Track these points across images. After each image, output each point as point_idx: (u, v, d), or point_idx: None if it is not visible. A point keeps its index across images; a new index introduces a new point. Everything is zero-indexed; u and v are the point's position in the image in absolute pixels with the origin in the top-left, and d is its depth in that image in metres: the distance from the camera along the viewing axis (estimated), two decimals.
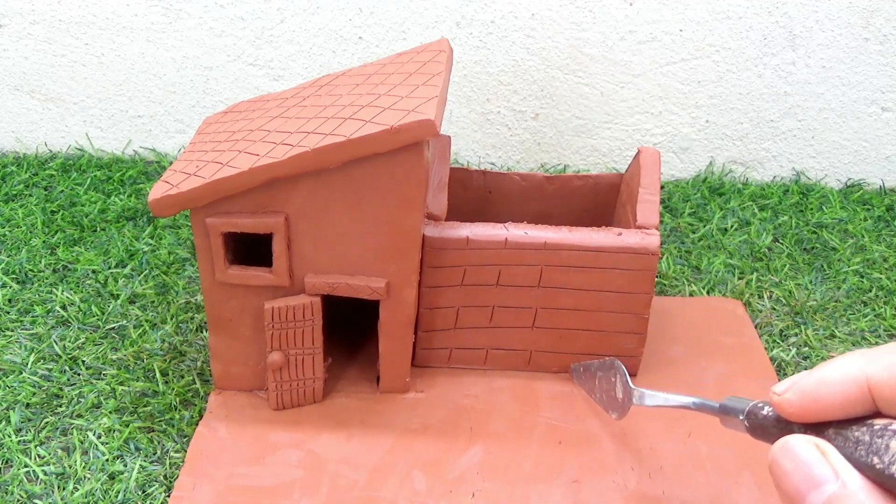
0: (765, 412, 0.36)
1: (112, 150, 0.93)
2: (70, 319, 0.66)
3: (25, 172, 0.87)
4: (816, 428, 0.32)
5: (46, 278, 0.71)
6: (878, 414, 0.31)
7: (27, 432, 0.55)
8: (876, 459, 0.29)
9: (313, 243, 0.52)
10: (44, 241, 0.75)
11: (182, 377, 0.60)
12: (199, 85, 0.89)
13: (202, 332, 0.65)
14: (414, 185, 0.50)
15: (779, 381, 0.60)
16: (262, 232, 0.51)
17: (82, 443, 0.55)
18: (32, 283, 0.70)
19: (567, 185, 0.67)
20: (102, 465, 0.53)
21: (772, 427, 0.35)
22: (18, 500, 0.51)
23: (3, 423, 0.56)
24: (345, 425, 0.56)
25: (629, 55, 0.85)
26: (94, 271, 0.72)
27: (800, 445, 0.32)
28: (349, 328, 0.63)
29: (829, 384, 0.31)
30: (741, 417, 0.38)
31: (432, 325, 0.59)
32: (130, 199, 0.83)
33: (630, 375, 0.61)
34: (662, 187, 0.89)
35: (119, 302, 0.68)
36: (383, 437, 0.55)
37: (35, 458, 0.54)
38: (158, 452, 0.54)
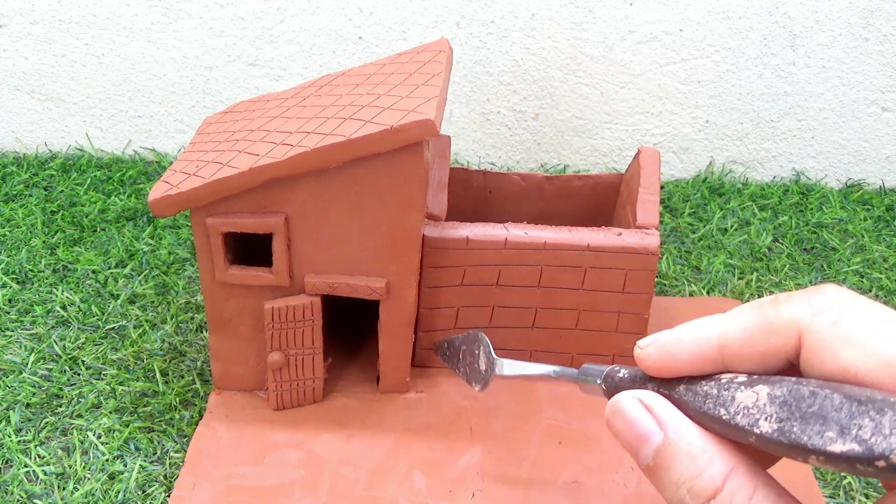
0: (620, 374, 0.36)
1: (112, 150, 0.93)
2: (70, 319, 0.66)
3: (25, 172, 0.87)
4: (670, 384, 0.33)
5: (46, 278, 0.71)
6: (727, 370, 0.31)
7: (27, 432, 0.55)
8: (722, 411, 0.30)
9: (313, 243, 0.52)
10: (44, 241, 0.75)
11: (182, 377, 0.60)
12: (199, 85, 0.89)
13: (202, 332, 0.65)
14: (414, 185, 0.50)
15: None
16: (262, 232, 0.51)
17: (82, 443, 0.55)
18: (32, 283, 0.70)
19: (567, 185, 0.67)
20: (102, 465, 0.53)
21: (627, 388, 0.35)
22: (18, 500, 0.51)
23: (3, 423, 0.56)
24: (345, 425, 0.56)
25: (629, 55, 0.85)
26: (94, 271, 0.72)
27: (626, 403, 0.33)
28: (349, 328, 0.63)
29: (685, 341, 0.32)
30: (598, 381, 0.37)
31: (432, 325, 0.59)
32: (130, 199, 0.83)
33: None
34: (662, 187, 0.89)
35: (119, 302, 0.68)
36: (383, 437, 0.55)
37: (35, 458, 0.54)
38: (158, 452, 0.54)
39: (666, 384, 0.33)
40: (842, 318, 0.29)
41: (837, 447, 0.26)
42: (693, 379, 0.32)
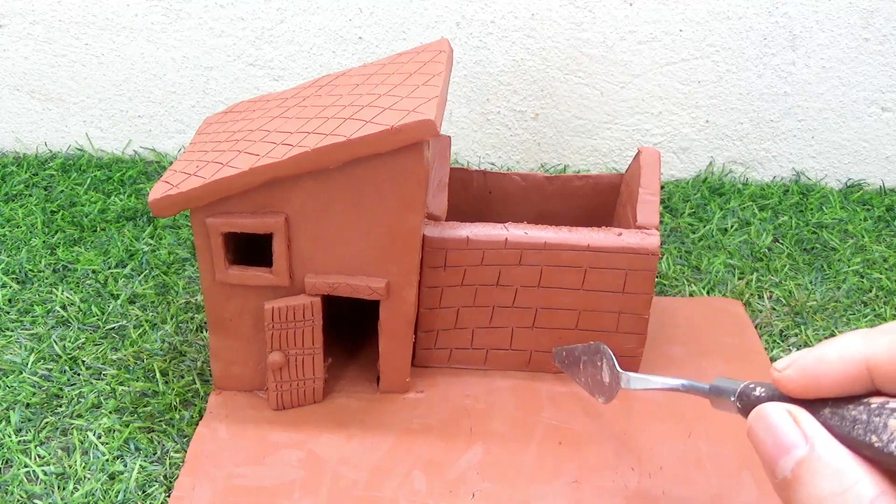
0: (757, 392, 0.35)
1: (112, 150, 0.93)
2: (70, 319, 0.66)
3: (25, 172, 0.87)
4: (812, 406, 0.32)
5: (46, 278, 0.71)
6: (875, 392, 0.31)
7: (27, 432, 0.55)
8: (874, 438, 0.29)
9: (313, 243, 0.52)
10: (44, 241, 0.75)
11: (182, 377, 0.60)
12: (199, 85, 0.89)
13: (202, 332, 0.65)
14: (414, 185, 0.50)
15: None
16: (262, 232, 0.51)
17: (82, 443, 0.55)
18: (32, 283, 0.70)
19: (567, 185, 0.67)
20: (102, 465, 0.53)
21: None
22: (18, 500, 0.51)
23: (3, 423, 0.56)
24: (345, 425, 0.56)
25: (629, 55, 0.85)
26: (94, 271, 0.72)
27: (772, 412, 0.32)
28: (349, 328, 0.63)
29: (828, 362, 0.31)
30: (732, 399, 0.37)
31: (432, 325, 0.59)
32: (130, 199, 0.83)
33: None
34: (662, 187, 0.89)
35: (119, 302, 0.68)
36: (383, 437, 0.55)
37: (35, 458, 0.54)
38: (158, 452, 0.54)
39: (808, 406, 0.32)
40: None
41: None
42: (838, 402, 0.31)
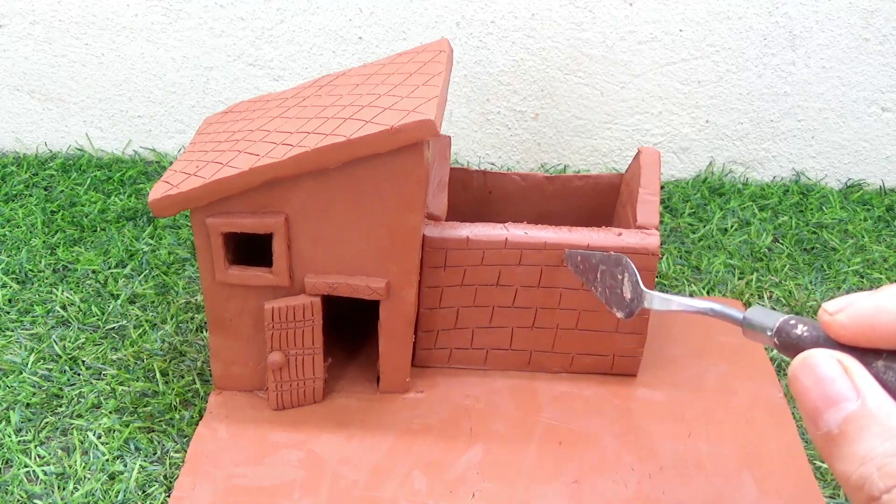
0: (798, 331, 0.32)
1: (112, 150, 0.93)
2: (70, 319, 0.66)
3: (25, 172, 0.87)
4: (864, 357, 0.29)
5: (46, 278, 0.71)
6: None
7: (27, 432, 0.55)
8: None
9: (313, 243, 0.52)
10: (44, 241, 0.75)
11: (182, 377, 0.60)
12: (199, 85, 0.89)
13: (202, 332, 0.65)
14: (414, 185, 0.50)
15: (779, 381, 0.61)
16: (262, 232, 0.51)
17: (82, 443, 0.55)
18: (32, 283, 0.70)
19: (567, 185, 0.67)
20: (102, 465, 0.53)
21: (808, 348, 0.31)
22: (18, 500, 0.51)
23: (3, 423, 0.56)
24: (345, 425, 0.56)
25: (629, 55, 0.85)
26: (94, 271, 0.72)
27: (821, 360, 0.30)
28: (349, 328, 0.63)
29: (889, 311, 0.29)
30: (769, 334, 0.34)
31: (432, 325, 0.59)
32: (130, 199, 0.83)
33: (630, 376, 0.61)
34: (662, 187, 0.89)
35: (119, 302, 0.68)
36: (383, 437, 0.55)
37: (35, 458, 0.54)
38: (158, 452, 0.54)
39: (859, 355, 0.29)
40: None
41: None
42: (894, 355, 0.29)
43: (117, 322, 0.66)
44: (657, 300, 0.43)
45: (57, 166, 0.89)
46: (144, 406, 0.58)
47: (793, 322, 0.33)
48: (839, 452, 0.28)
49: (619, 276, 0.48)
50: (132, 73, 0.88)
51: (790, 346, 0.32)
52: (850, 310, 0.30)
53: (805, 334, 0.32)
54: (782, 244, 0.80)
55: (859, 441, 0.28)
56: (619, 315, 0.47)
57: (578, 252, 0.53)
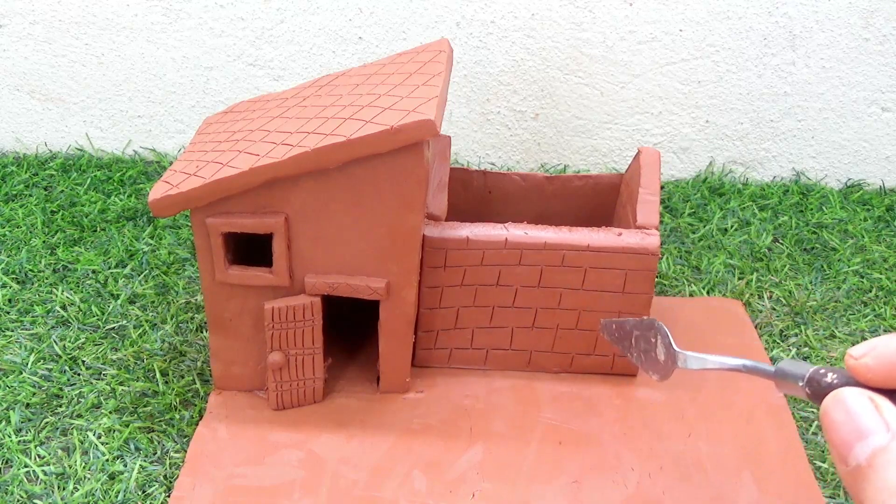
0: (828, 379, 0.34)
1: (112, 150, 0.93)
2: (70, 319, 0.66)
3: (25, 172, 0.87)
4: (893, 397, 0.31)
5: (46, 278, 0.71)
6: None
7: (27, 432, 0.55)
8: None
9: (313, 243, 0.52)
10: (44, 241, 0.75)
11: (182, 377, 0.60)
12: (199, 85, 0.89)
13: (202, 332, 0.65)
14: (414, 185, 0.50)
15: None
16: (262, 232, 0.51)
17: (82, 443, 0.55)
18: (32, 283, 0.70)
19: (567, 185, 0.67)
20: (102, 465, 0.53)
21: None
22: (18, 500, 0.51)
23: (3, 423, 0.56)
24: (345, 425, 0.56)
25: (629, 55, 0.85)
26: (94, 271, 0.72)
27: (852, 396, 0.31)
28: (349, 328, 0.63)
29: None
30: (801, 384, 0.35)
31: (432, 325, 0.59)
32: (130, 199, 0.83)
33: (630, 376, 0.61)
34: (662, 187, 0.89)
35: (119, 302, 0.68)
36: (383, 437, 0.55)
37: (35, 458, 0.54)
38: (158, 452, 0.54)
39: (888, 395, 0.31)
40: None
41: None
42: None
43: (117, 322, 0.66)
44: (691, 360, 0.45)
45: (57, 166, 0.89)
46: (144, 406, 0.58)
47: (822, 371, 0.34)
48: (868, 485, 0.29)
49: (653, 340, 0.49)
50: (132, 73, 0.88)
51: (822, 394, 0.34)
52: (875, 353, 0.31)
53: (835, 381, 0.33)
54: (782, 244, 0.80)
55: (888, 473, 0.28)
56: (655, 378, 0.49)
57: (613, 321, 0.54)
